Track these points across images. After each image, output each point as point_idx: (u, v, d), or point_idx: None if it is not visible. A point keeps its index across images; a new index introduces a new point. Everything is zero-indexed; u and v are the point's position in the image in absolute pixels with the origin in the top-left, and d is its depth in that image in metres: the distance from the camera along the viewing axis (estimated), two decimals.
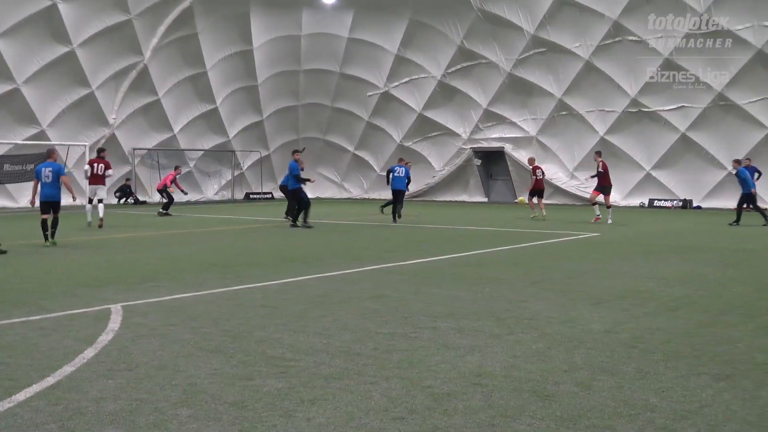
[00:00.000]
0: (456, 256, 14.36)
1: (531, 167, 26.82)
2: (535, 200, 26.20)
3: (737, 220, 22.69)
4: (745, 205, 23.08)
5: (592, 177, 24.29)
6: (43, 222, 16.28)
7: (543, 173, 26.59)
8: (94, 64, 32.30)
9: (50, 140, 31.28)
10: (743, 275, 11.83)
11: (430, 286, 10.44)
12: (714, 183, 32.37)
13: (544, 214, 25.43)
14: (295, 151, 23.07)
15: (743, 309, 8.79)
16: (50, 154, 17.22)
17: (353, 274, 11.89)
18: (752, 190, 22.97)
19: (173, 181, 28.42)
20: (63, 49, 30.97)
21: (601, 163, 23.70)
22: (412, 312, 8.54)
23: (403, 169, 25.22)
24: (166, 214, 26.62)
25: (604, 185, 23.55)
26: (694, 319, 8.18)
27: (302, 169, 25.14)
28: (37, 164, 17.98)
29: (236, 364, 6.23)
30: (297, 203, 21.87)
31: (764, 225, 22.25)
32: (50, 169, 16.49)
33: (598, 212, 23.63)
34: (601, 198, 23.64)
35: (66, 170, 18.74)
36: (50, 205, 16.40)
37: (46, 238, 16.13)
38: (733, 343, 6.99)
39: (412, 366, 6.17)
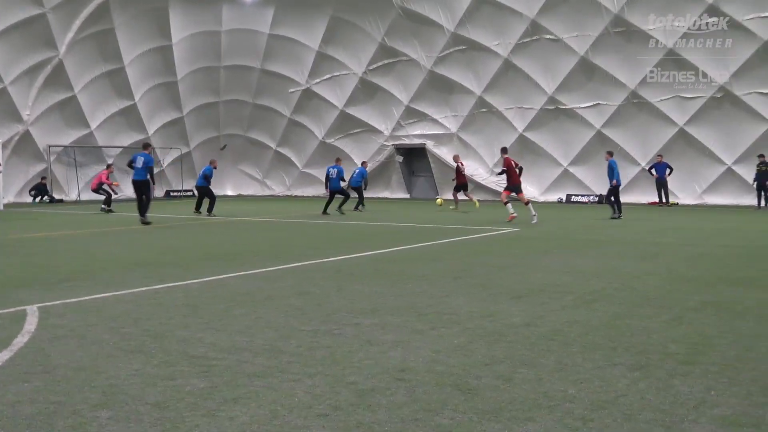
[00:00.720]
0: (378, 253, 14.43)
1: (456, 164, 28.63)
2: (461, 195, 28.13)
3: (618, 213, 23.48)
4: (607, 196, 24.12)
5: (498, 175, 23.80)
6: None
7: (463, 168, 28.61)
8: (7, 58, 31.41)
9: None
10: (657, 268, 12.19)
11: (352, 283, 10.47)
12: (628, 178, 33.22)
13: (477, 206, 28.01)
14: (146, 145, 22.94)
15: (657, 301, 9.06)
16: None
17: (276, 271, 11.85)
18: (613, 181, 23.76)
19: (108, 177, 28.95)
20: None
21: (504, 160, 22.60)
22: (335, 309, 8.55)
23: (335, 169, 26.82)
24: (109, 210, 27.01)
25: (514, 184, 22.34)
26: (610, 311, 8.40)
27: (215, 168, 26.25)
28: None
29: (157, 364, 6.15)
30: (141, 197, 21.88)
31: (612, 218, 23.23)
32: None
33: (512, 211, 21.88)
34: (513, 196, 22.43)
35: None
36: None
37: None
38: (648, 334, 7.20)
39: (336, 363, 6.19)
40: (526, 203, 22.42)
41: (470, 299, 9.15)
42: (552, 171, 34.95)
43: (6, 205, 30.65)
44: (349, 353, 6.50)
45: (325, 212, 25.70)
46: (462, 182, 28.44)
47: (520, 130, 35.17)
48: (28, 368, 6.03)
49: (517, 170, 22.70)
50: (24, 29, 31.36)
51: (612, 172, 23.78)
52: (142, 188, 21.74)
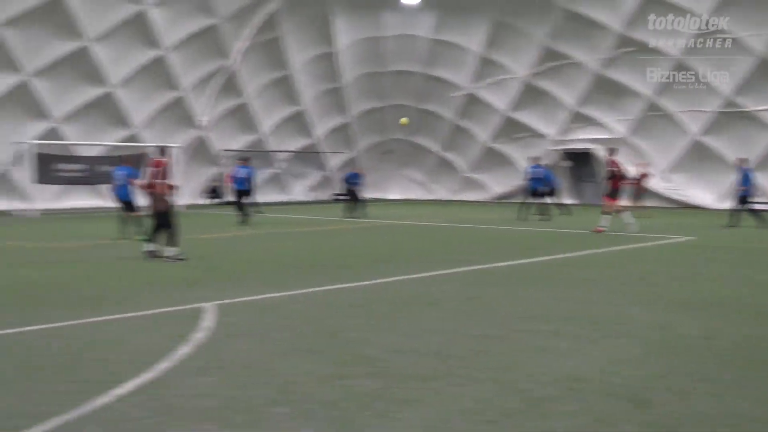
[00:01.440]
0: (548, 259, 14.16)
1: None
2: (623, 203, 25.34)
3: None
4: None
5: (613, 179, 20.40)
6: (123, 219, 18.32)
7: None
8: (183, 67, 33.06)
9: (143, 142, 32.14)
10: None
11: (522, 289, 10.33)
12: None
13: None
14: (247, 158, 25.13)
15: None
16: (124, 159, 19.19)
17: (445, 275, 11.84)
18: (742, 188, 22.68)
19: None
20: (154, 53, 31.78)
21: (612, 162, 20.38)
22: (505, 314, 8.46)
23: (540, 169, 27.01)
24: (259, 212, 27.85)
25: (619, 188, 20.37)
26: None
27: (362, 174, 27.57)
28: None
29: (330, 363, 6.27)
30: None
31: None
32: (123, 173, 18.15)
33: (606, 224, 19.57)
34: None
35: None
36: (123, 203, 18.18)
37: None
38: None
39: (505, 369, 6.11)
40: (618, 211, 20.22)
41: (645, 309, 8.82)
42: (729, 177, 33.25)
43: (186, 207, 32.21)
44: (518, 359, 6.41)
45: (543, 215, 25.74)
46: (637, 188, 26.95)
47: (694, 134, 33.71)
48: (206, 363, 6.30)
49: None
50: (198, 39, 32.91)
51: (746, 179, 22.62)
52: (243, 197, 24.20)
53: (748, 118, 32.33)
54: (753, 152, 32.12)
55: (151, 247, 13.71)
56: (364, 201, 27.68)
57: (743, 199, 22.72)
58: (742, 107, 32.28)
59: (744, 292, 10.11)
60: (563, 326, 7.79)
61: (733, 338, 7.26)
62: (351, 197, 27.71)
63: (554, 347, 6.88)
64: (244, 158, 25.52)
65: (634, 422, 4.84)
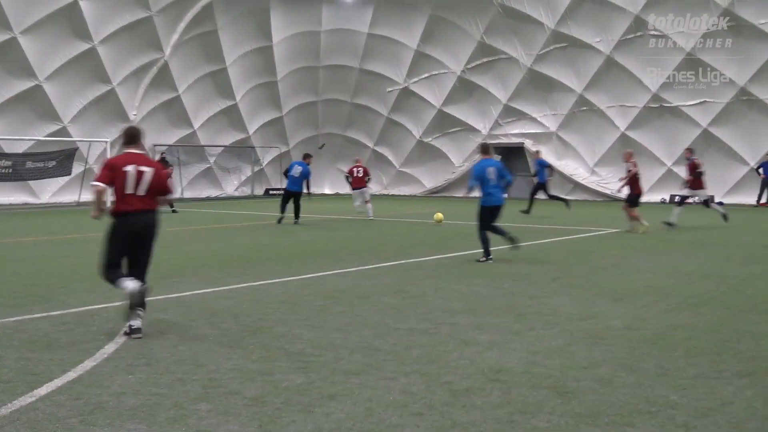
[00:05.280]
0: (476, 252, 14.28)
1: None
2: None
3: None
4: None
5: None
6: None
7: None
8: (114, 60, 32.43)
9: (72, 136, 31.49)
10: (765, 271, 11.73)
11: (450, 282, 10.42)
12: (736, 179, 32.08)
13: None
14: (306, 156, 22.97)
15: (766, 306, 8.71)
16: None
17: (373, 269, 11.89)
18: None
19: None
20: (84, 46, 31.09)
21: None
22: (432, 308, 8.53)
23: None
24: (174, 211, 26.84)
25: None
26: (715, 315, 8.12)
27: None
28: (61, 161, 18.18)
29: (256, 359, 6.25)
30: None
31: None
32: None
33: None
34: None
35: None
36: None
37: None
38: (756, 341, 6.93)
39: (432, 362, 6.17)
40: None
41: (570, 300, 8.99)
42: (655, 171, 33.95)
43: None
44: (444, 353, 6.47)
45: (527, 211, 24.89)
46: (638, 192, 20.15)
47: (621, 128, 34.37)
48: (132, 360, 6.22)
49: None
50: (131, 32, 32.28)
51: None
52: (297, 197, 21.74)
53: (673, 113, 33.14)
54: (677, 147, 32.90)
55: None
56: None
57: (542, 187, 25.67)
58: (668, 102, 33.05)
59: (668, 282, 10.36)
60: (487, 319, 7.89)
61: (655, 328, 7.44)
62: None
63: (477, 339, 6.96)
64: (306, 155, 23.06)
65: (557, 412, 4.93)
